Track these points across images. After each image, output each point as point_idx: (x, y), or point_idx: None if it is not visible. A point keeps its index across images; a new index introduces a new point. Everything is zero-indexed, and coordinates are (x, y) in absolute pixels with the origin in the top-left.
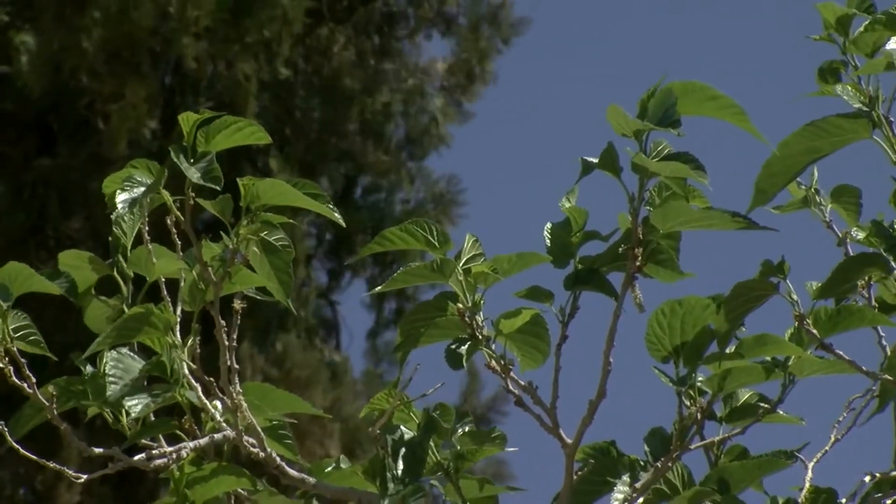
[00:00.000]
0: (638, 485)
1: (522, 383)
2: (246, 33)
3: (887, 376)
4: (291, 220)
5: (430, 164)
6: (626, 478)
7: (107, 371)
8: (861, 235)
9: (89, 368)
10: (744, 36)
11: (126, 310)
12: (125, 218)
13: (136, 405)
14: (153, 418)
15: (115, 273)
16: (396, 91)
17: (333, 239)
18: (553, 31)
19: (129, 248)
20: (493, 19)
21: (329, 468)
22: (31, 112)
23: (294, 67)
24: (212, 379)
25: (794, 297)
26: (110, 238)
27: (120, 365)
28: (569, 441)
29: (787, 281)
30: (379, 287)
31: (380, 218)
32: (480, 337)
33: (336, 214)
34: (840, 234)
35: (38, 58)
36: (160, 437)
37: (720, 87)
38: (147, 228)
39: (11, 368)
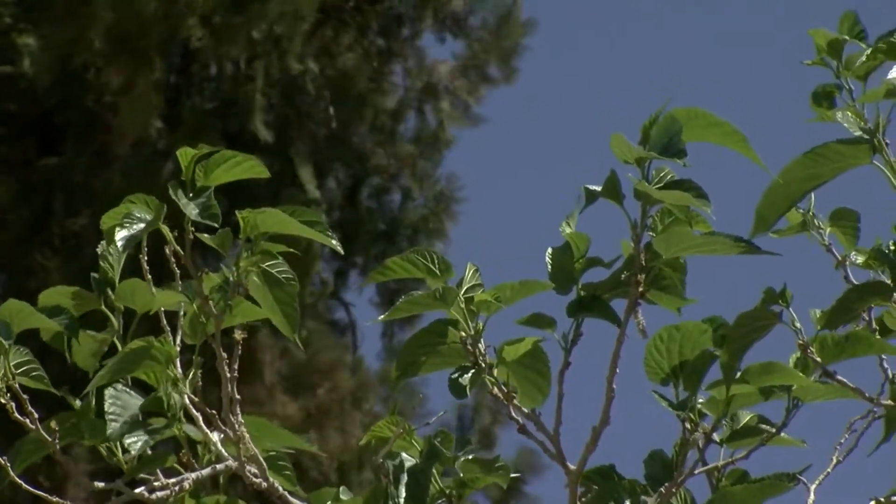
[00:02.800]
0: None
1: (526, 410)
2: (253, 27)
3: (891, 402)
4: (293, 250)
5: (433, 165)
6: (628, 503)
7: (106, 409)
8: (860, 260)
9: (78, 403)
10: (749, 43)
11: (117, 343)
12: (111, 251)
13: (135, 443)
14: (150, 452)
15: (104, 307)
16: (406, 89)
17: (340, 239)
18: (560, 35)
19: (116, 280)
20: (502, 22)
21: (329, 501)
22: (35, 112)
23: (304, 65)
24: (214, 412)
25: (798, 325)
26: (93, 274)
27: (118, 402)
28: (572, 468)
29: (790, 309)
30: (381, 316)
31: (388, 218)
32: (483, 365)
33: (334, 242)
34: (839, 258)
35: (47, 49)
36: (157, 469)
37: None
38: (146, 258)
39: (14, 405)
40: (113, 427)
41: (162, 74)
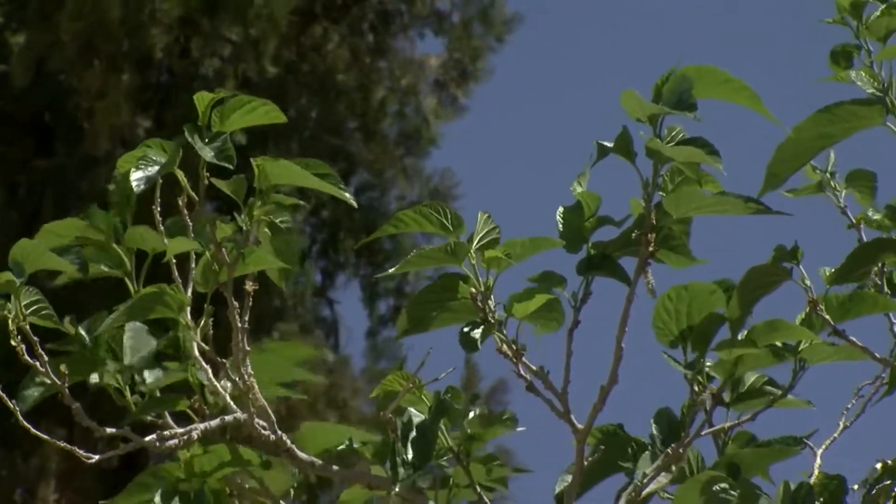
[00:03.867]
0: (649, 470)
1: (534, 368)
2: (229, 31)
3: None
4: (302, 202)
5: (425, 160)
6: (647, 455)
7: (125, 340)
8: (877, 217)
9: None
10: (752, 20)
11: (129, 284)
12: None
13: (149, 376)
14: (159, 394)
15: (115, 245)
16: (391, 90)
17: (327, 238)
18: (551, 26)
19: (129, 222)
20: (485, 17)
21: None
22: (28, 113)
23: (286, 66)
24: (224, 360)
25: (808, 282)
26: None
27: (137, 336)
28: (580, 426)
29: (801, 266)
30: (392, 269)
31: (374, 217)
32: (493, 321)
33: (347, 194)
34: (854, 219)
35: (26, 51)
36: (166, 415)
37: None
38: (159, 208)
39: (24, 347)
40: (131, 356)
41: (133, 80)
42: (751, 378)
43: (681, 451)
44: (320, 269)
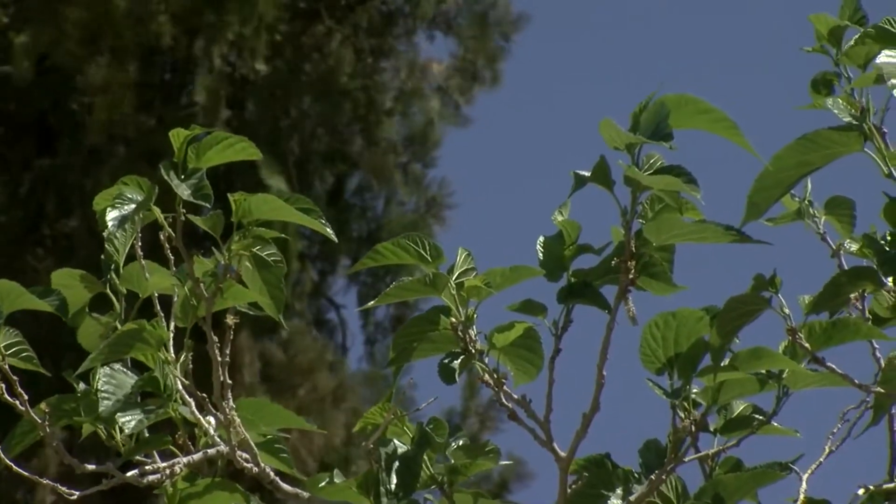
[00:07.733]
0: (632, 497)
1: (516, 397)
2: (226, 29)
3: (880, 389)
4: (283, 235)
5: (427, 165)
6: (619, 490)
7: (99, 387)
8: (854, 248)
9: (82, 385)
10: (743, 40)
11: (119, 327)
12: (117, 234)
13: (129, 421)
14: (147, 434)
15: (108, 290)
16: (395, 91)
17: (325, 240)
18: (551, 32)
19: (121, 264)
20: (490, 17)
21: (323, 483)
22: (31, 112)
23: (288, 66)
24: (205, 395)
25: (787, 311)
26: (102, 256)
27: (112, 381)
28: (563, 454)
29: (780, 295)
30: (371, 302)
31: (372, 222)
32: (473, 351)
33: (328, 230)
34: (834, 246)
35: (29, 48)
36: (154, 452)
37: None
38: (140, 244)
39: (3, 386)
40: (105, 405)
41: (137, 74)
42: (738, 406)
43: (663, 476)
44: (318, 271)
